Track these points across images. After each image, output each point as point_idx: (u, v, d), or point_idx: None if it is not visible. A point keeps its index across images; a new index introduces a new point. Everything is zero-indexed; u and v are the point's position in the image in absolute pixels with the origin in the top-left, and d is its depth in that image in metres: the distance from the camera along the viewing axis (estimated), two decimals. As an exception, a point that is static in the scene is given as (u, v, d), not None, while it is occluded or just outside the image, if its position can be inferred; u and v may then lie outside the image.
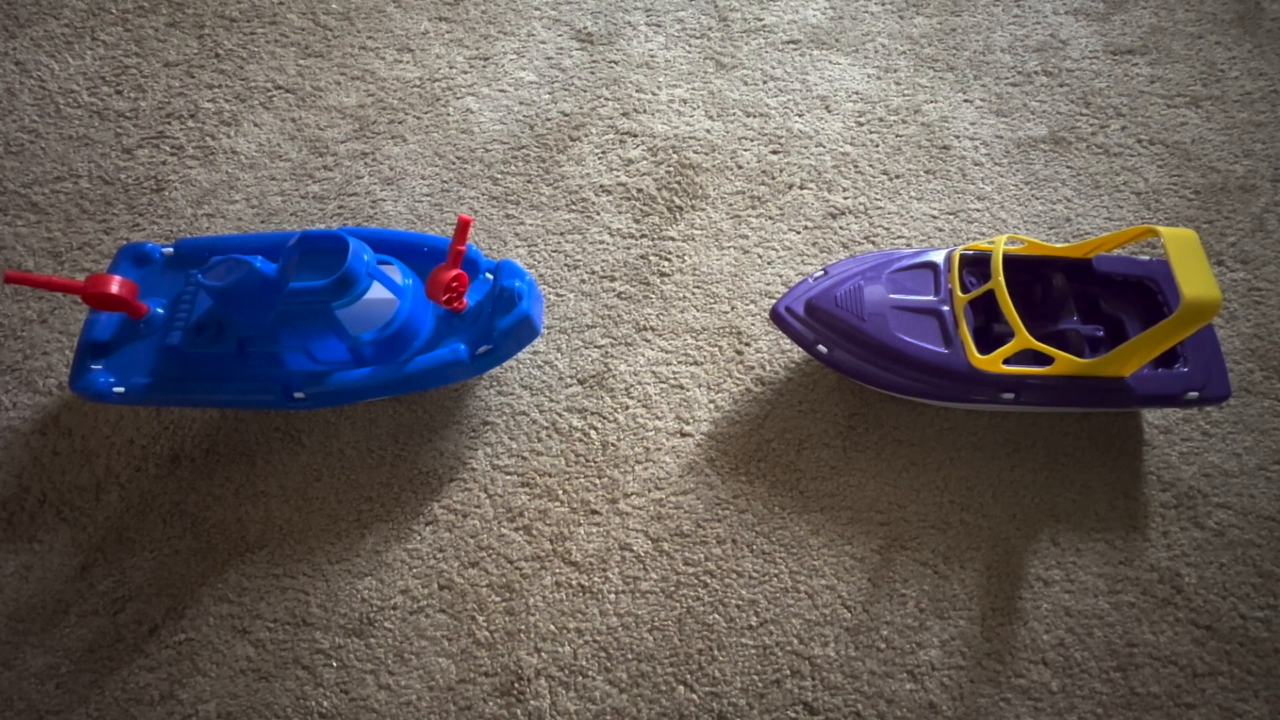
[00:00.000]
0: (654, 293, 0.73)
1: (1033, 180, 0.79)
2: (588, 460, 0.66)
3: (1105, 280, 0.65)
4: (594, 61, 0.88)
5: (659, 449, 0.66)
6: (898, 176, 0.80)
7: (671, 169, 0.80)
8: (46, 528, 0.64)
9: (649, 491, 0.64)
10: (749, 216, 0.77)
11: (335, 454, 0.66)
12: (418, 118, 0.84)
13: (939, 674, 0.58)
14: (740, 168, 0.80)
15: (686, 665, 0.58)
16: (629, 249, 0.76)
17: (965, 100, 0.85)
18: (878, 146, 0.82)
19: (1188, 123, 0.83)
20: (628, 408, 0.68)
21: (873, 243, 0.76)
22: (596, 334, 0.71)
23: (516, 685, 0.58)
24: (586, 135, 0.82)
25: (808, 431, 0.67)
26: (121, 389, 0.60)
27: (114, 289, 0.58)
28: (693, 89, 0.86)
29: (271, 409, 0.66)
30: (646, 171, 0.80)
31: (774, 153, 0.81)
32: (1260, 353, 0.70)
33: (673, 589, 0.61)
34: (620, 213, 0.78)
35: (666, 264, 0.75)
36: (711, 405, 0.68)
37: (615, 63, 0.87)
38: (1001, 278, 0.58)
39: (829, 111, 0.84)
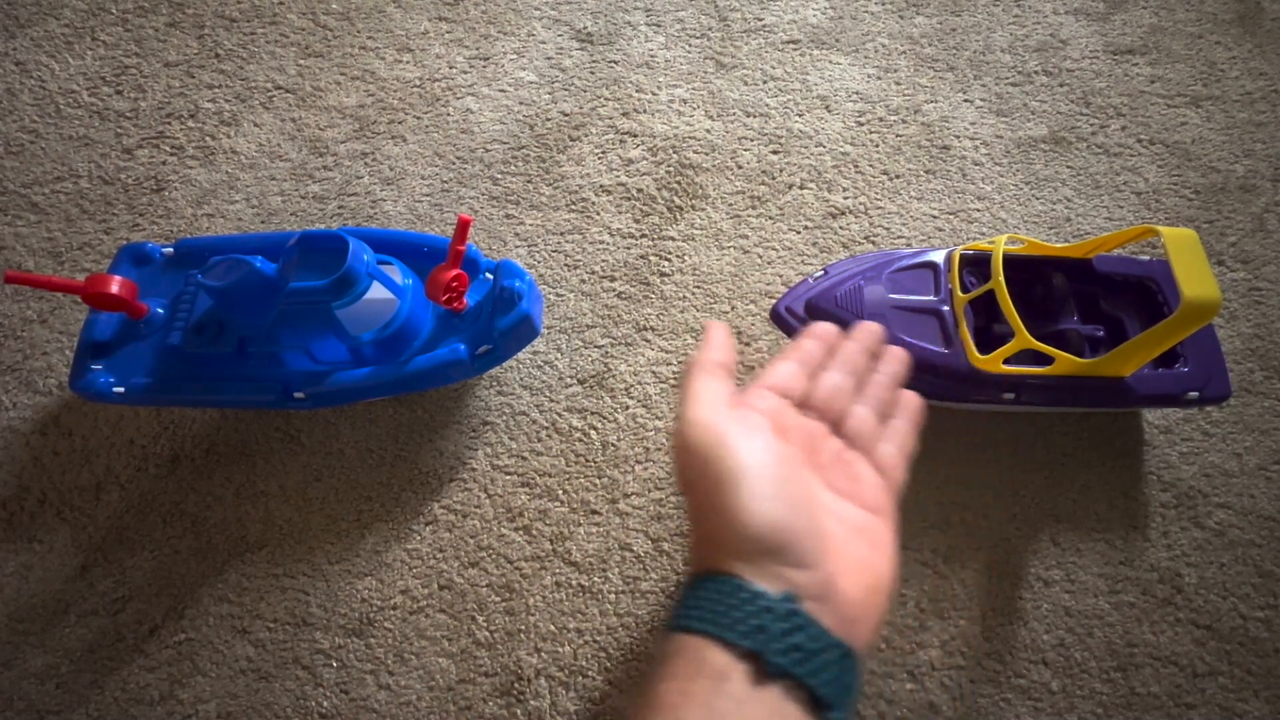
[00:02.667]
0: (654, 293, 0.73)
1: (1033, 180, 0.79)
2: (588, 460, 0.66)
3: (1105, 280, 0.65)
4: (594, 61, 0.88)
5: (659, 449, 0.66)
6: (898, 176, 0.80)
7: (671, 169, 0.80)
8: (46, 527, 0.64)
9: (649, 491, 0.64)
10: (749, 216, 0.77)
11: (335, 454, 0.66)
12: (418, 118, 0.84)
13: (939, 674, 0.58)
14: (740, 168, 0.80)
15: (686, 665, 0.58)
16: (629, 249, 0.76)
17: (965, 100, 0.85)
18: (878, 146, 0.82)
19: (1188, 122, 0.83)
20: (628, 408, 0.68)
21: (873, 243, 0.76)
22: (596, 334, 0.71)
23: (516, 685, 0.58)
24: (586, 135, 0.82)
25: (808, 431, 0.67)
26: (121, 389, 0.60)
27: (114, 289, 0.58)
28: (693, 89, 0.86)
29: (271, 409, 0.66)
30: (646, 171, 0.80)
31: (774, 153, 0.81)
32: (1261, 352, 0.70)
33: (673, 589, 0.61)
34: (620, 213, 0.78)
35: (666, 264, 0.75)
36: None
37: (615, 63, 0.87)
38: (1001, 278, 0.58)
39: (829, 111, 0.84)
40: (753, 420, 0.27)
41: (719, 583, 0.24)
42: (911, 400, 0.35)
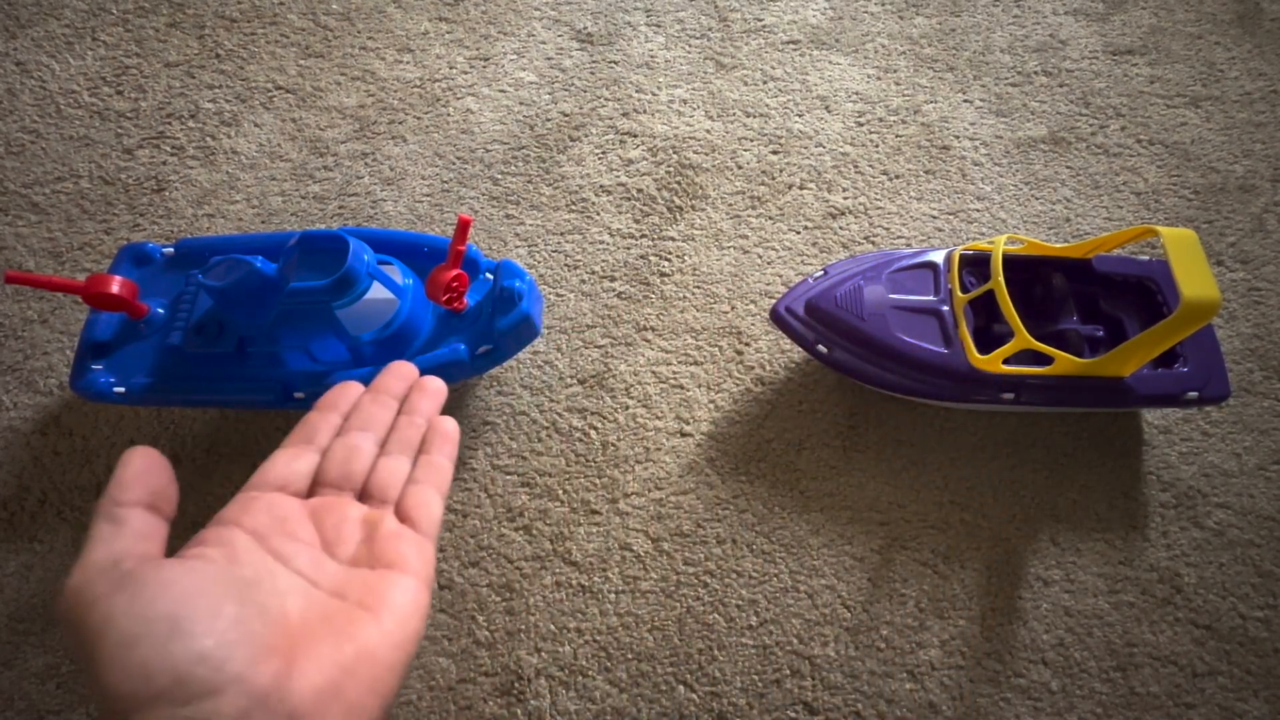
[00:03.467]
0: (654, 293, 0.73)
1: (1032, 180, 0.80)
2: (588, 460, 0.66)
3: (1105, 280, 0.65)
4: (594, 62, 0.88)
5: (659, 449, 0.66)
6: (898, 176, 0.80)
7: (671, 169, 0.80)
8: (47, 527, 0.64)
9: (649, 491, 0.64)
10: (749, 216, 0.77)
11: (335, 454, 0.66)
12: (418, 118, 0.84)
13: (939, 674, 0.58)
14: (740, 168, 0.80)
15: (686, 665, 0.58)
16: (629, 249, 0.76)
17: (965, 100, 0.85)
18: (878, 146, 0.82)
19: (1187, 123, 0.83)
20: (628, 408, 0.68)
21: (873, 243, 0.76)
22: (596, 334, 0.71)
23: (517, 685, 0.58)
24: (586, 135, 0.82)
25: (808, 431, 0.67)
26: (122, 389, 0.60)
27: (114, 289, 0.58)
28: (693, 89, 0.86)
29: (271, 409, 0.66)
30: (646, 171, 0.80)
31: (774, 153, 0.81)
32: (1260, 353, 0.70)
33: (673, 589, 0.61)
34: (620, 213, 0.78)
35: (666, 264, 0.75)
36: (711, 405, 0.68)
37: (615, 63, 0.87)
38: (1001, 278, 0.58)
39: (829, 112, 0.84)
40: (166, 555, 0.25)
41: None
42: (444, 429, 0.34)
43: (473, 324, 0.61)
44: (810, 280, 0.65)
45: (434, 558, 0.30)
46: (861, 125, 0.83)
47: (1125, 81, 0.86)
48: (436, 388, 0.36)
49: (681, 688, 0.58)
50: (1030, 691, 0.58)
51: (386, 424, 0.34)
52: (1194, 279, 0.52)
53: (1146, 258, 0.70)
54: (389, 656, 0.26)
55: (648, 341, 0.71)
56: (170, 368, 0.61)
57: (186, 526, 0.66)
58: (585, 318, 0.72)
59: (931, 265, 0.64)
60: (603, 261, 0.75)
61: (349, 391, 0.35)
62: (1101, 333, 0.64)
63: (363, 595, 0.27)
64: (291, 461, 0.32)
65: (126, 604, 0.23)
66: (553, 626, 0.60)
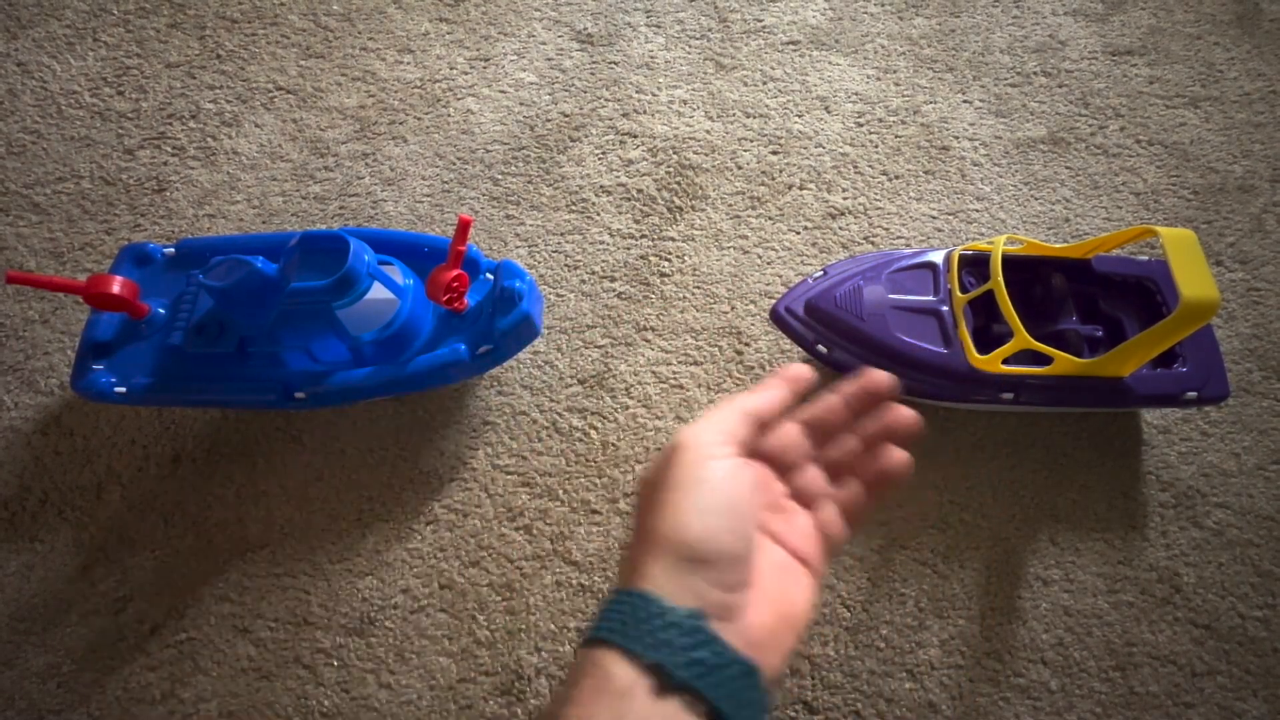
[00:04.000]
0: (654, 293, 0.73)
1: (1032, 181, 0.80)
2: (588, 460, 0.66)
3: (1104, 280, 0.66)
4: (594, 62, 0.88)
5: (659, 449, 0.66)
6: (897, 177, 0.80)
7: (671, 169, 0.80)
8: (48, 527, 0.64)
9: (649, 491, 0.64)
10: (749, 217, 0.78)
11: (336, 454, 0.66)
12: (418, 118, 0.84)
13: (938, 673, 0.58)
14: (740, 168, 0.81)
15: (686, 664, 0.58)
16: (629, 249, 0.76)
17: (964, 101, 0.85)
18: (877, 147, 0.82)
19: (1186, 123, 0.83)
20: (628, 408, 0.68)
21: (872, 243, 0.76)
22: (596, 334, 0.71)
23: (517, 684, 0.58)
24: (586, 136, 0.83)
25: (807, 431, 0.67)
26: (123, 389, 0.60)
27: (115, 289, 0.58)
28: (693, 90, 0.86)
29: (272, 409, 0.66)
30: (646, 172, 0.80)
31: (774, 153, 0.81)
32: (1259, 353, 0.70)
33: (673, 588, 0.61)
34: (620, 213, 0.78)
35: (666, 264, 0.75)
36: (711, 405, 0.68)
37: (615, 64, 0.88)
38: (1000, 278, 0.58)
39: (828, 112, 0.84)
40: (734, 450, 0.29)
41: (634, 597, 0.25)
42: (888, 464, 0.34)
43: (473, 324, 0.61)
44: (810, 280, 0.65)
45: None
46: (861, 126, 0.83)
47: (1124, 82, 0.86)
48: (902, 418, 0.35)
49: (681, 687, 0.58)
50: (1030, 691, 0.58)
51: (834, 428, 0.34)
52: (1193, 279, 0.52)
53: (1146, 258, 0.70)
54: (794, 630, 0.28)
55: (648, 341, 0.71)
56: (171, 368, 0.61)
57: (188, 525, 0.66)
58: (585, 318, 0.72)
59: (931, 265, 0.64)
60: (603, 261, 0.75)
61: (804, 372, 0.34)
62: (1101, 333, 0.64)
63: (784, 566, 0.30)
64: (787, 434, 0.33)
65: (720, 482, 0.27)
66: (553, 626, 0.60)
